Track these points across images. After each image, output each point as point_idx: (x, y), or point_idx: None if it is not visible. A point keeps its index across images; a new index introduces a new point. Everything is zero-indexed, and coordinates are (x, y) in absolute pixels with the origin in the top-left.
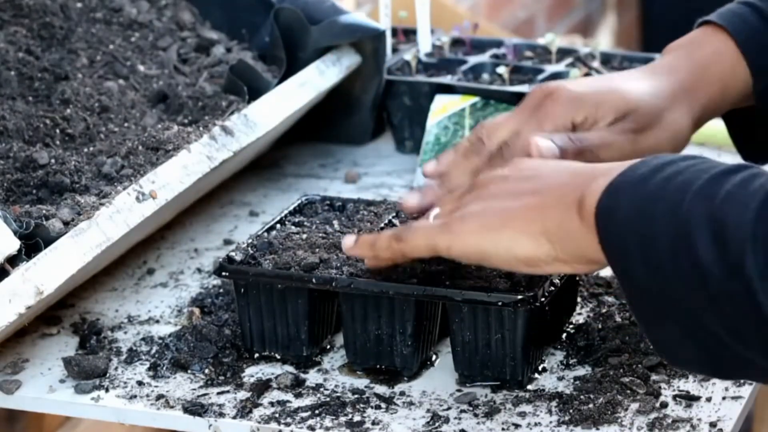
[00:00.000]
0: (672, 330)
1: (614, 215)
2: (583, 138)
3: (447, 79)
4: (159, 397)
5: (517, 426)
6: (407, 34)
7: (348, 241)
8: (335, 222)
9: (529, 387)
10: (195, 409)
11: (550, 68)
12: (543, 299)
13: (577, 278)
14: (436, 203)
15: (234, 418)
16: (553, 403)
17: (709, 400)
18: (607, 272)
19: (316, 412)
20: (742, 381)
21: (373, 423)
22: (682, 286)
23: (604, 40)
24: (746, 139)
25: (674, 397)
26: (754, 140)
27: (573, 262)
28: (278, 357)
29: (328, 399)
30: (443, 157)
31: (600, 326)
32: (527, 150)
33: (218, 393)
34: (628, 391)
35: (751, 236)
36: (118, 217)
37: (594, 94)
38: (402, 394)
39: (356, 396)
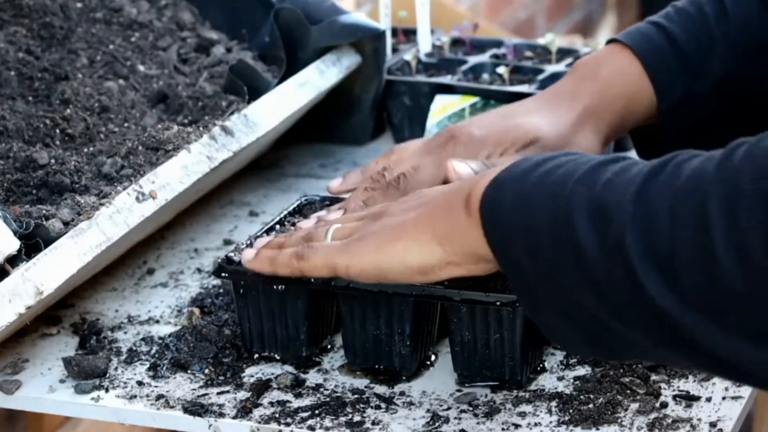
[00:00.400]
0: (558, 317)
1: (498, 208)
2: (496, 163)
3: (447, 79)
4: (159, 397)
5: (517, 426)
6: (407, 34)
7: (248, 254)
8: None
9: (529, 387)
10: (195, 409)
11: (550, 68)
12: None
13: None
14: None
15: (234, 418)
16: (553, 403)
17: (709, 400)
18: None
19: (316, 412)
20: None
21: (373, 423)
22: (565, 273)
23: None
24: (652, 153)
25: (674, 397)
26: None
27: (465, 263)
28: (278, 357)
29: (328, 399)
30: (348, 175)
31: None
32: (422, 187)
33: (218, 393)
34: (628, 391)
35: (631, 217)
36: (118, 217)
37: (493, 134)
38: (402, 394)
39: (356, 396)
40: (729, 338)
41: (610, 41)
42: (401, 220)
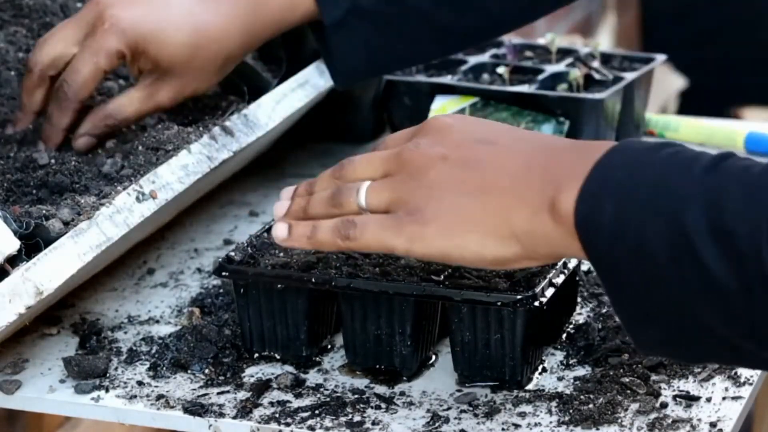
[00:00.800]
0: (661, 329)
1: (597, 222)
2: (109, 115)
3: (447, 79)
4: (159, 397)
5: (517, 426)
6: None
7: (281, 231)
8: None
9: (529, 387)
10: (195, 409)
11: (550, 68)
12: (542, 299)
13: (577, 278)
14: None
15: (234, 418)
16: (553, 403)
17: (709, 400)
18: None
19: (316, 412)
20: (742, 381)
21: (373, 423)
22: (680, 288)
23: (604, 40)
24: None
25: (674, 397)
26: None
27: (544, 259)
28: (278, 357)
29: (328, 399)
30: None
31: (600, 326)
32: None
33: (218, 393)
34: (628, 391)
35: (766, 237)
36: (118, 217)
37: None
38: (402, 394)
39: (356, 396)
40: None
41: None
42: (466, 207)
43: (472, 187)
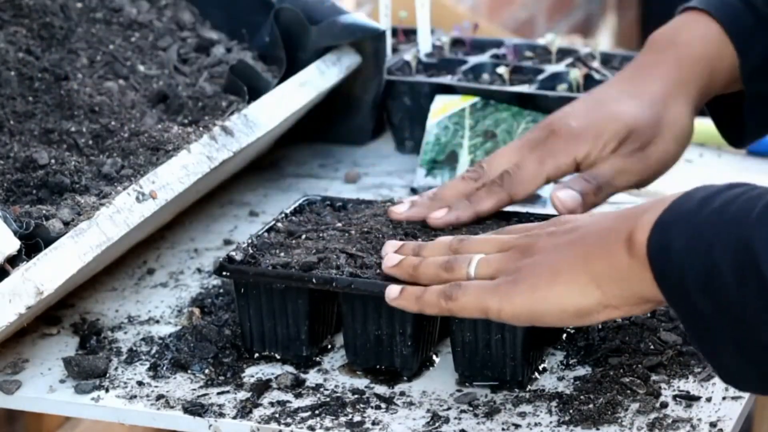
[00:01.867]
0: (738, 356)
1: (668, 250)
2: (596, 175)
3: (447, 79)
4: (159, 397)
5: (517, 426)
6: (407, 34)
7: (392, 292)
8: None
9: (529, 387)
10: (195, 409)
11: (550, 68)
12: None
13: None
14: (427, 217)
15: (234, 418)
16: (553, 403)
17: (709, 400)
18: None
19: (316, 412)
20: None
21: (373, 423)
22: (752, 312)
23: (604, 40)
24: (731, 126)
25: (674, 397)
26: (740, 125)
27: (624, 305)
28: (278, 357)
29: (328, 399)
30: (445, 187)
31: (600, 326)
32: (526, 184)
33: (218, 393)
34: (628, 391)
35: None
36: (118, 217)
37: (592, 126)
38: (402, 394)
39: (356, 396)
40: None
41: (683, 10)
42: (554, 261)
43: (564, 245)
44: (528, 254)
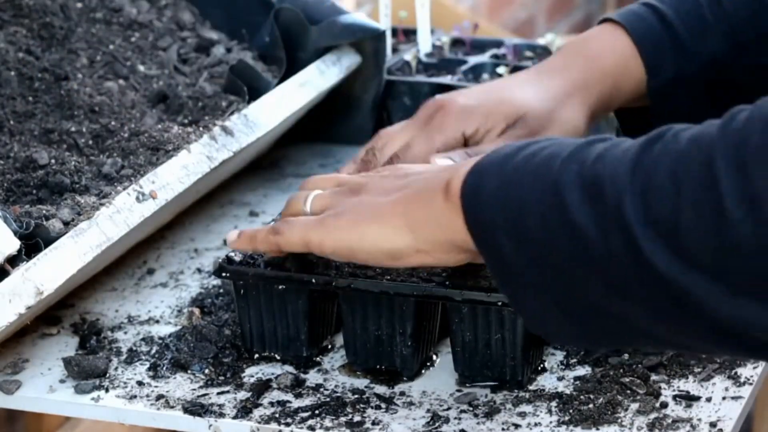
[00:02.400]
0: (545, 304)
1: (479, 193)
2: (479, 150)
3: (447, 79)
4: (159, 397)
5: (517, 426)
6: (407, 34)
7: (231, 235)
8: None
9: (529, 387)
10: (195, 409)
11: None
12: None
13: None
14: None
15: (234, 418)
16: (553, 403)
17: (709, 400)
18: None
19: (316, 412)
20: (742, 381)
21: (373, 423)
22: (556, 253)
23: None
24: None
25: (674, 397)
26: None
27: (435, 251)
28: (278, 357)
29: (328, 399)
30: (343, 169)
31: None
32: (417, 162)
33: (218, 393)
34: (628, 391)
35: (629, 187)
36: (118, 217)
37: (483, 105)
38: (402, 394)
39: (356, 396)
40: (737, 300)
41: (602, 21)
42: (378, 202)
43: (392, 189)
44: (357, 192)
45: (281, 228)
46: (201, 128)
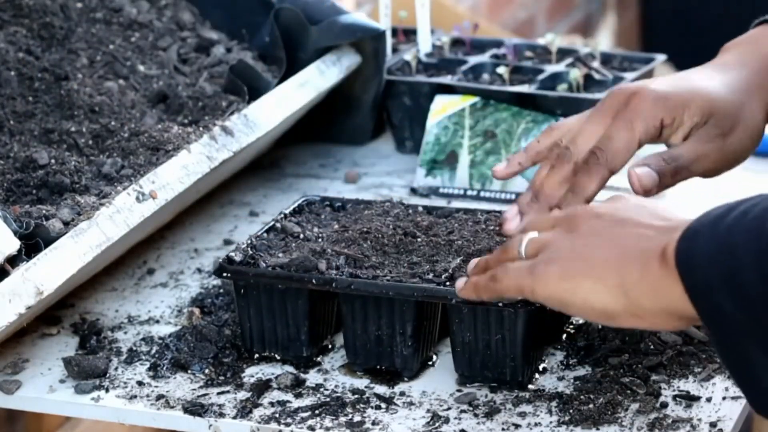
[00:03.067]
0: (762, 358)
1: (694, 255)
2: (676, 157)
3: (447, 79)
4: (159, 397)
5: (517, 426)
6: (407, 34)
7: (459, 284)
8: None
9: (529, 387)
10: (195, 409)
11: (550, 68)
12: None
13: None
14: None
15: (234, 418)
16: (553, 403)
17: (709, 400)
18: None
19: (316, 412)
20: None
21: (373, 423)
22: None
23: (604, 40)
24: None
25: (674, 397)
26: None
27: (650, 317)
28: (278, 357)
29: (328, 399)
30: (536, 174)
31: (600, 326)
32: (622, 154)
33: (218, 393)
34: (628, 391)
35: None
36: (118, 217)
37: (678, 94)
38: (402, 394)
39: (356, 396)
40: None
41: (758, 23)
42: (591, 251)
43: (605, 240)
44: (570, 232)
45: (499, 275)
46: (201, 128)
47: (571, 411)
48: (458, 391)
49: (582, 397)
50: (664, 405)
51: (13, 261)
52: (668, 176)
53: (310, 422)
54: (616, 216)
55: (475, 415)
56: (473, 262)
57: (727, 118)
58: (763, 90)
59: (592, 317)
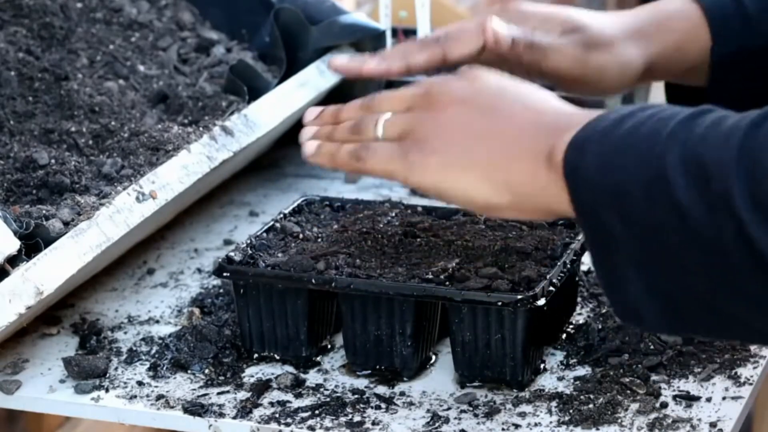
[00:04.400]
0: (638, 286)
1: (581, 168)
2: (536, 34)
3: None
4: (159, 397)
5: (517, 426)
6: (407, 34)
7: (310, 148)
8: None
9: (529, 387)
10: (195, 409)
11: None
12: (543, 299)
13: (577, 278)
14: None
15: (234, 418)
16: (553, 403)
17: (709, 400)
18: None
19: (316, 412)
20: (742, 381)
21: (373, 423)
22: (663, 232)
23: None
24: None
25: (674, 397)
26: None
27: (531, 213)
28: (278, 357)
29: (328, 399)
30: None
31: (600, 326)
32: (463, 43)
33: (218, 393)
34: (628, 391)
35: (735, 172)
36: (118, 217)
37: (545, 10)
38: (402, 394)
39: (356, 396)
40: None
41: None
42: (471, 149)
43: (482, 132)
44: (436, 117)
45: (363, 155)
46: (201, 128)
47: (571, 411)
48: (458, 391)
49: (582, 397)
50: (664, 405)
51: (13, 261)
52: (521, 45)
53: (310, 422)
54: (481, 104)
55: (475, 415)
56: (311, 112)
57: (594, 37)
58: (647, 39)
59: (468, 207)
